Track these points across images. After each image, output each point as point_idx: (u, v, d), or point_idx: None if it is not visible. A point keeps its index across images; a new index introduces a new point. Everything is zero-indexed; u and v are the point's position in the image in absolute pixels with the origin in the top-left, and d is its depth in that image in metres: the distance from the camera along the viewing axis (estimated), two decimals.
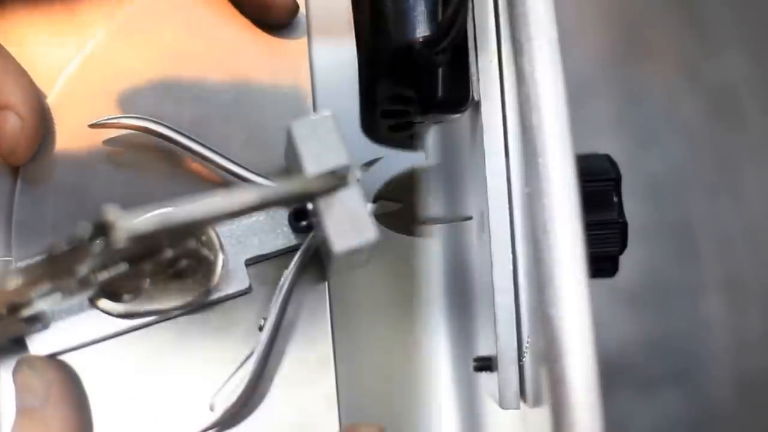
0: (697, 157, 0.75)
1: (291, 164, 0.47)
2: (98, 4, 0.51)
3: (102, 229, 0.40)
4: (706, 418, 0.71)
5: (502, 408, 0.48)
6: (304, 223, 0.48)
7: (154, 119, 0.49)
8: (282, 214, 0.48)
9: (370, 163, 0.48)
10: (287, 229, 0.48)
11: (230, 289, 0.47)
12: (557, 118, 0.39)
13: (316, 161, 0.45)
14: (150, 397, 0.47)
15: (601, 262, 0.50)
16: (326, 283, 0.48)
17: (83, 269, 0.43)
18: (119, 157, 0.49)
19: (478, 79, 0.49)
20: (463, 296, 0.62)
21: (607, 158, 0.51)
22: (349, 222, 0.45)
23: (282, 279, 0.47)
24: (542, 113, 0.40)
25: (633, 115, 0.74)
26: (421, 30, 0.48)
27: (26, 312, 0.45)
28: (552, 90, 0.40)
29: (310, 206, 0.47)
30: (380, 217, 0.49)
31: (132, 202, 0.43)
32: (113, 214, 0.40)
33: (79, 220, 0.41)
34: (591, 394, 0.38)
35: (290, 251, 0.48)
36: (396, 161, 0.49)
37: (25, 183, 0.49)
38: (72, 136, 0.49)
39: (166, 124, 0.49)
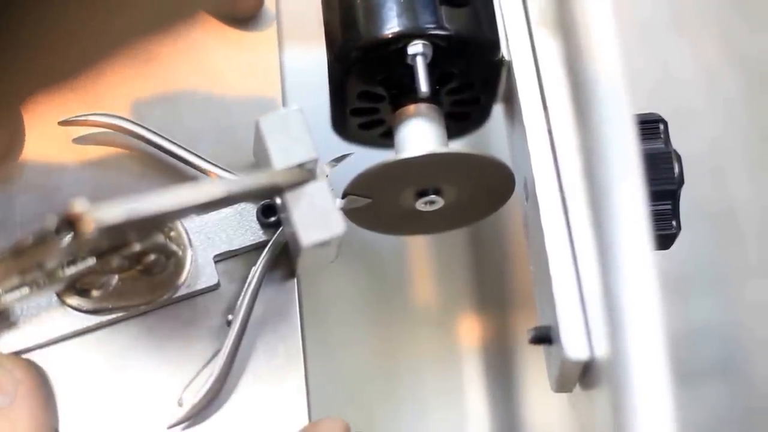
0: (737, 133, 0.73)
1: (260, 159, 0.47)
2: None
3: (69, 222, 0.40)
4: (753, 410, 0.68)
5: (556, 390, 0.47)
6: (272, 218, 0.48)
7: (123, 116, 0.49)
8: (250, 210, 0.48)
9: (338, 159, 0.48)
10: (256, 225, 0.48)
11: (199, 285, 0.47)
12: (616, 72, 0.37)
13: (283, 155, 0.45)
14: (119, 394, 0.47)
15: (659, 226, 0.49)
16: (295, 279, 0.48)
17: (51, 263, 0.43)
18: (89, 155, 0.50)
19: (507, 38, 0.50)
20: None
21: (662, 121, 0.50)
22: (316, 215, 0.45)
23: (250, 274, 0.47)
24: (599, 68, 0.38)
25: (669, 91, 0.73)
26: (390, 26, 0.48)
27: None
28: (608, 42, 0.38)
29: (278, 201, 0.47)
30: (350, 213, 0.49)
31: (102, 200, 0.43)
32: (81, 205, 0.40)
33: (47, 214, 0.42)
34: (659, 372, 0.36)
35: (259, 247, 0.48)
36: (367, 158, 0.49)
37: None
38: (41, 134, 0.50)
39: (135, 121, 0.49)
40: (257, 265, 0.47)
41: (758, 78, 0.74)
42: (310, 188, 0.45)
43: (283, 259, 0.48)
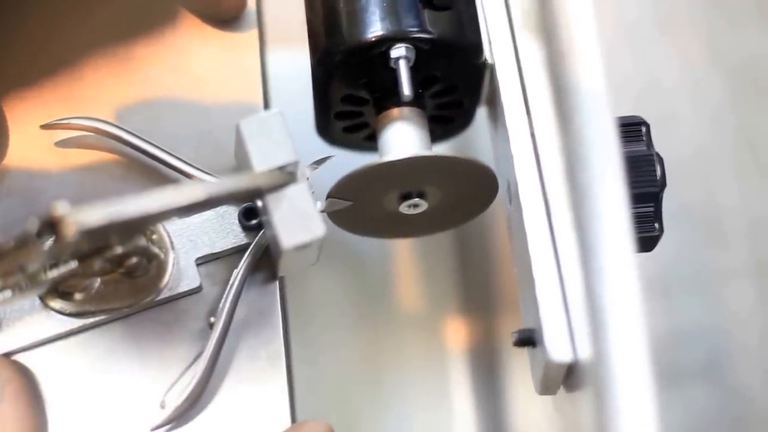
0: (723, 138, 0.73)
1: (241, 162, 0.47)
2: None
3: (51, 225, 0.41)
4: (737, 411, 0.68)
5: (540, 393, 0.47)
6: (254, 221, 0.48)
7: (105, 120, 0.49)
8: (232, 213, 0.48)
9: (319, 162, 0.48)
10: (237, 228, 0.48)
11: (181, 288, 0.47)
12: (597, 74, 0.38)
13: (264, 158, 0.45)
14: (102, 396, 0.47)
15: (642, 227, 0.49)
16: (277, 281, 0.49)
17: (33, 266, 0.43)
18: (71, 158, 0.50)
19: (490, 42, 0.50)
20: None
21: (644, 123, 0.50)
22: (297, 218, 0.45)
23: (232, 277, 0.47)
24: (580, 71, 0.38)
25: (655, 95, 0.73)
26: (373, 30, 0.48)
27: None
28: (590, 45, 0.38)
29: (259, 204, 0.47)
30: (334, 217, 0.49)
31: (83, 203, 0.43)
32: (62, 209, 0.40)
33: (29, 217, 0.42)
34: (641, 374, 0.36)
35: (241, 250, 0.48)
36: (350, 162, 0.49)
37: None
38: (23, 137, 0.50)
39: (117, 124, 0.49)
40: (239, 268, 0.47)
41: (744, 83, 0.74)
42: (291, 191, 0.45)
43: (265, 261, 0.48)
